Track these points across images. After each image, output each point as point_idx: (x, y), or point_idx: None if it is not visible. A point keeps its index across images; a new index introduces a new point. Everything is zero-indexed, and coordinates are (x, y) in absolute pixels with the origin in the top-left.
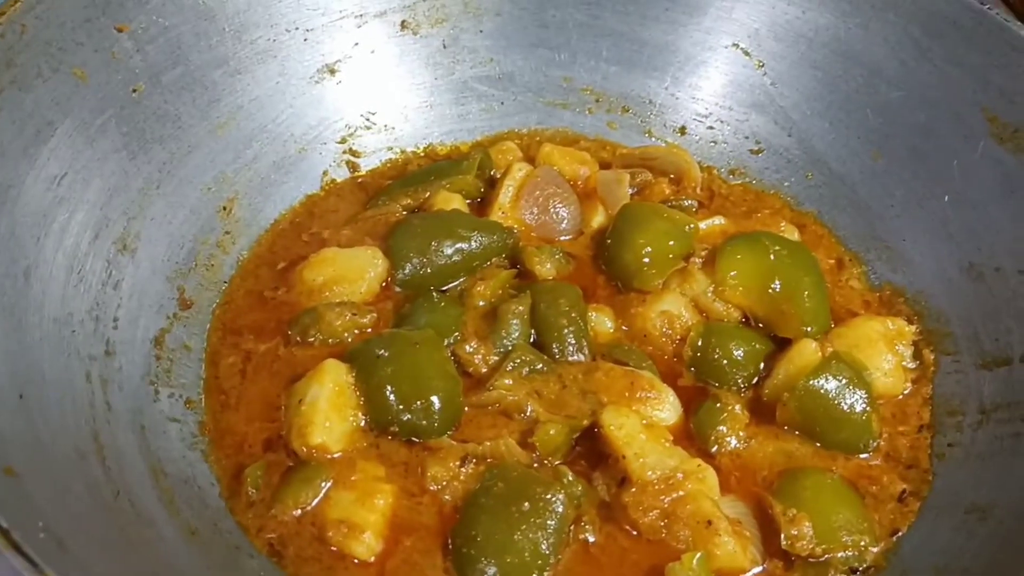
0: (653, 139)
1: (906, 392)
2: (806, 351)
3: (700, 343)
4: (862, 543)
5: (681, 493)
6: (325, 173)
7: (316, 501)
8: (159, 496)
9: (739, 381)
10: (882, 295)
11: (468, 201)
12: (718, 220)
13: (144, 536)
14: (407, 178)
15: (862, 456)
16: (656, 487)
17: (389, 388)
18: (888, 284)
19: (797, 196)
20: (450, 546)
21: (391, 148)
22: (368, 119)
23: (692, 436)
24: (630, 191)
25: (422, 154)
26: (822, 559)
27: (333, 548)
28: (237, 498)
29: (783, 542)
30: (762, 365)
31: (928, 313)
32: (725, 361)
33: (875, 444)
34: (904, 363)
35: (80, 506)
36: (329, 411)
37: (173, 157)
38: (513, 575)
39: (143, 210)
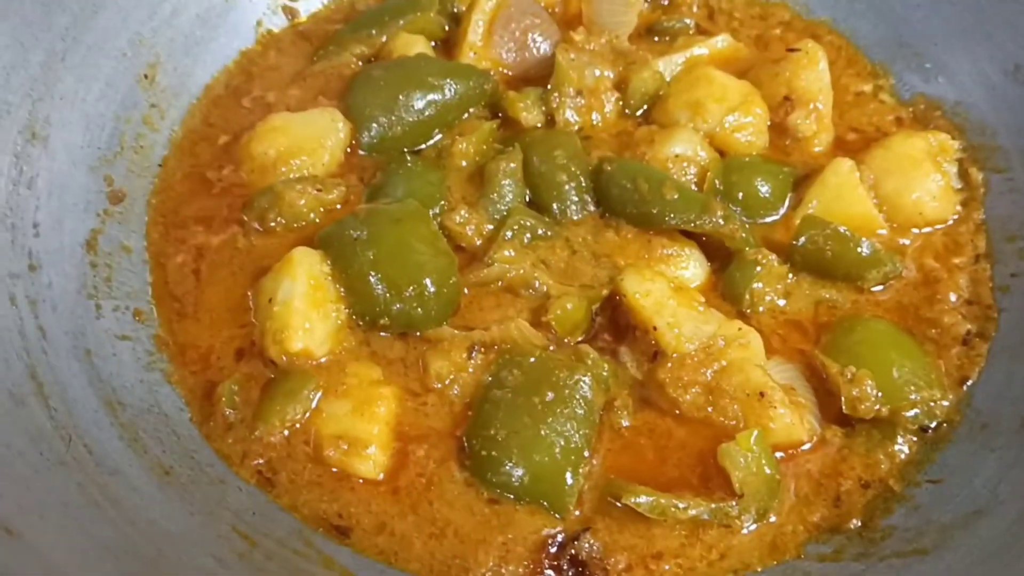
0: None
1: (955, 218)
2: (841, 169)
3: (720, 184)
4: (932, 397)
5: (724, 363)
6: (259, 23)
7: (306, 416)
8: (120, 434)
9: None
10: (915, 110)
11: (432, 43)
12: (723, 40)
13: (110, 490)
14: (357, 21)
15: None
16: (695, 359)
17: (373, 275)
18: (921, 96)
19: (808, 3)
20: (467, 450)
21: None
22: None
23: (724, 296)
24: None
25: None
26: (887, 419)
27: (334, 469)
28: (212, 422)
29: (844, 406)
30: (790, 195)
31: (970, 126)
32: (751, 201)
33: (900, 268)
34: (951, 184)
35: (24, 468)
36: (307, 309)
37: (76, 20)
38: (545, 476)
39: (49, 88)
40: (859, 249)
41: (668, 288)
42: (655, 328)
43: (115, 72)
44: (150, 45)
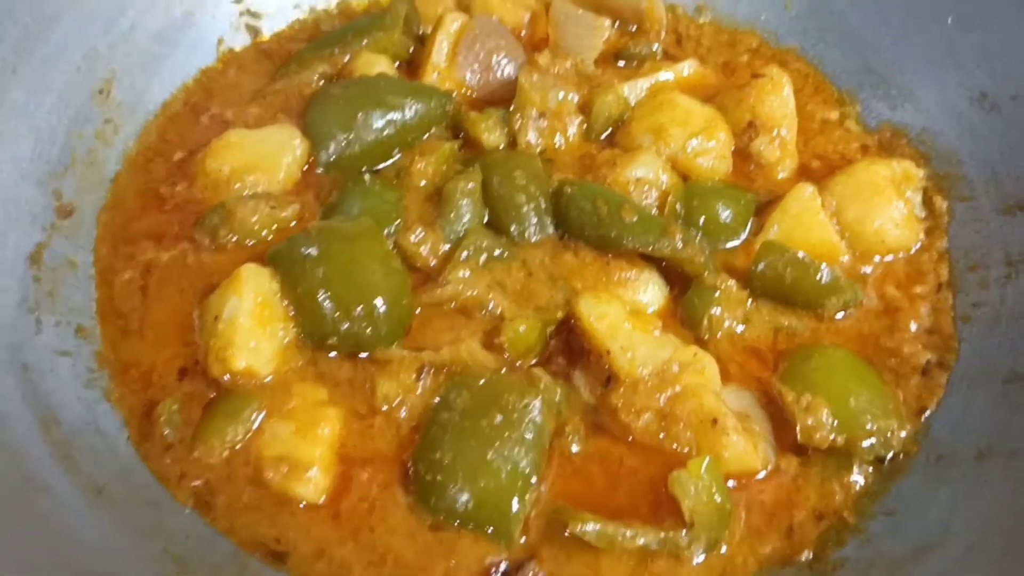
0: None
1: (918, 247)
2: (803, 195)
3: (681, 208)
4: (889, 428)
5: (678, 389)
6: (220, 41)
7: (248, 436)
8: (52, 452)
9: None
10: (881, 137)
11: (396, 64)
12: (689, 65)
13: (35, 507)
14: (320, 40)
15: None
16: (649, 384)
17: (323, 293)
18: (887, 124)
19: (776, 31)
20: (411, 474)
21: (297, 6)
22: None
23: (682, 321)
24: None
25: (335, 12)
26: (843, 450)
27: (274, 492)
28: (150, 442)
29: (798, 435)
30: (752, 221)
31: (936, 154)
32: (712, 226)
33: (861, 296)
34: (915, 211)
35: None
36: (252, 327)
37: (28, 33)
38: (490, 501)
39: None
40: (819, 276)
41: (624, 312)
42: (608, 352)
43: (68, 86)
44: (106, 60)
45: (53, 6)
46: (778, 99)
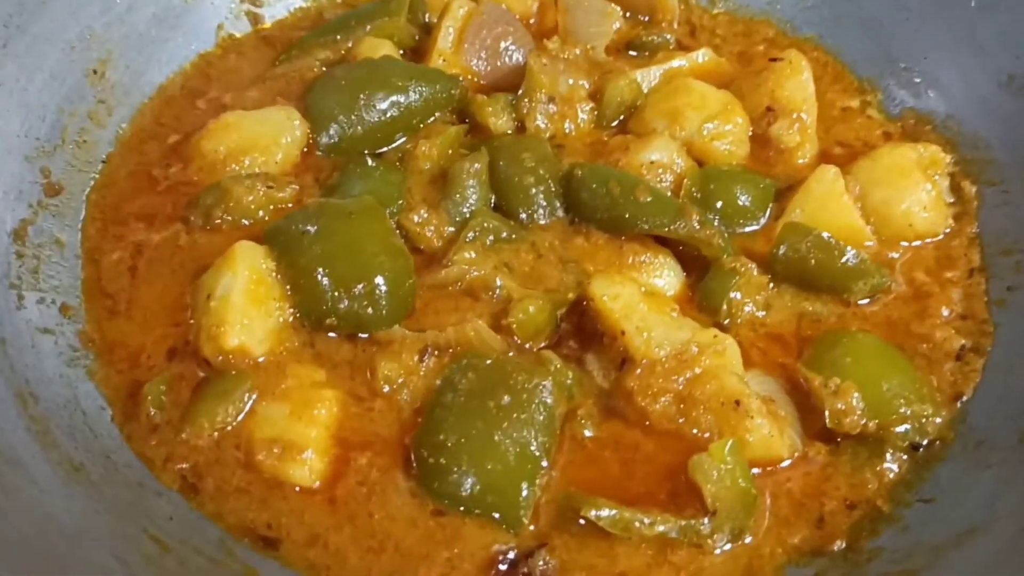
0: None
1: (947, 232)
2: (826, 177)
3: (697, 192)
4: (923, 413)
5: (698, 370)
6: (220, 27)
7: (239, 418)
8: (28, 426)
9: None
10: (904, 124)
11: (400, 52)
12: (704, 54)
13: (5, 481)
14: (323, 27)
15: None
16: (666, 366)
17: (321, 271)
18: (911, 111)
19: (793, 20)
20: (413, 459)
21: None
22: None
23: (700, 307)
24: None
25: (339, 0)
26: (876, 436)
27: (266, 475)
28: (135, 422)
29: (827, 420)
30: (771, 206)
31: (963, 140)
32: (730, 210)
33: (888, 281)
34: (943, 196)
35: None
36: (246, 305)
37: (22, 8)
38: (497, 486)
39: None
40: (844, 258)
41: (639, 292)
42: (623, 333)
43: (61, 64)
44: (101, 40)
45: None
46: (797, 82)
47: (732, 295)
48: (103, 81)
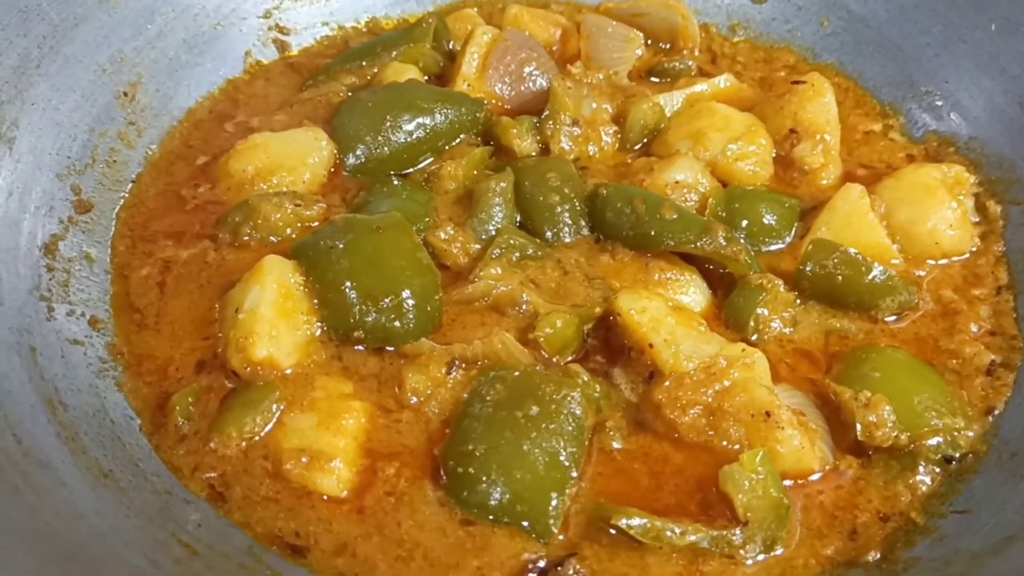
0: None
1: (973, 250)
2: (851, 195)
3: (722, 211)
4: (955, 426)
5: (727, 383)
6: (248, 54)
7: (267, 428)
8: (57, 432)
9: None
10: (928, 147)
11: (425, 78)
12: (725, 79)
13: (34, 479)
14: (349, 53)
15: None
16: (695, 378)
17: (348, 284)
18: (933, 134)
19: (813, 47)
20: (442, 468)
21: (326, 23)
22: None
23: (727, 324)
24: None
25: (364, 29)
26: (907, 449)
27: (294, 484)
28: (163, 432)
29: (859, 433)
30: (796, 225)
31: (987, 161)
32: (755, 228)
33: (916, 298)
34: (968, 214)
35: None
36: (274, 317)
37: (55, 30)
38: (526, 495)
39: (20, 92)
40: (872, 275)
41: (666, 307)
42: (651, 346)
43: (92, 86)
44: (132, 64)
45: (82, 7)
46: (820, 104)
47: (759, 311)
48: (133, 103)
